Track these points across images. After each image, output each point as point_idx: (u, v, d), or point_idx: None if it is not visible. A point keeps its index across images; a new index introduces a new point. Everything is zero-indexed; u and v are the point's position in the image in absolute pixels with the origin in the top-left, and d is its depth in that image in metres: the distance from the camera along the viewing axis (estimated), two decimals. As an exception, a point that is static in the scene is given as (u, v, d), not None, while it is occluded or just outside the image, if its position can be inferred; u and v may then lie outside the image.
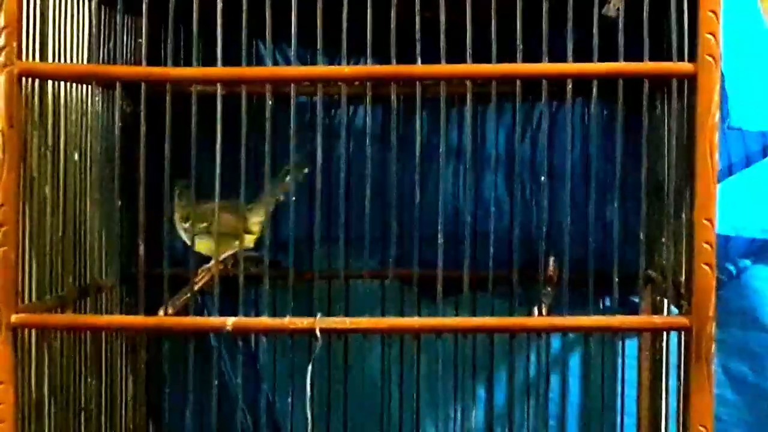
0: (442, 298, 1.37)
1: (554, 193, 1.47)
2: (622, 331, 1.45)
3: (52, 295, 1.43)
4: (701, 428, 1.31)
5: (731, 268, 1.75)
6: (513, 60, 1.34)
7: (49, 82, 1.41)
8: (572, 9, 1.33)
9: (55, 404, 1.44)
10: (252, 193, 1.47)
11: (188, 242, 1.49)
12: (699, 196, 1.30)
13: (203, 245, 1.54)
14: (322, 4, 1.34)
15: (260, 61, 1.79)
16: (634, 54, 1.33)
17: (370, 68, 1.36)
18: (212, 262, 1.54)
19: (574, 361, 1.82)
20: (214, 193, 1.36)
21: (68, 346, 1.47)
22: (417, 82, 1.36)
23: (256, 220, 1.59)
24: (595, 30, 1.33)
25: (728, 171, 1.71)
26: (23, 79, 1.34)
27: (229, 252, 1.58)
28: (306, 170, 1.52)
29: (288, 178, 1.52)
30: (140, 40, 1.43)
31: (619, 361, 1.66)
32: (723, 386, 1.74)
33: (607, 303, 1.54)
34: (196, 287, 1.47)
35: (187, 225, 1.56)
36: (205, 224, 1.54)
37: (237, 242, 1.50)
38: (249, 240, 1.58)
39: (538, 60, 1.34)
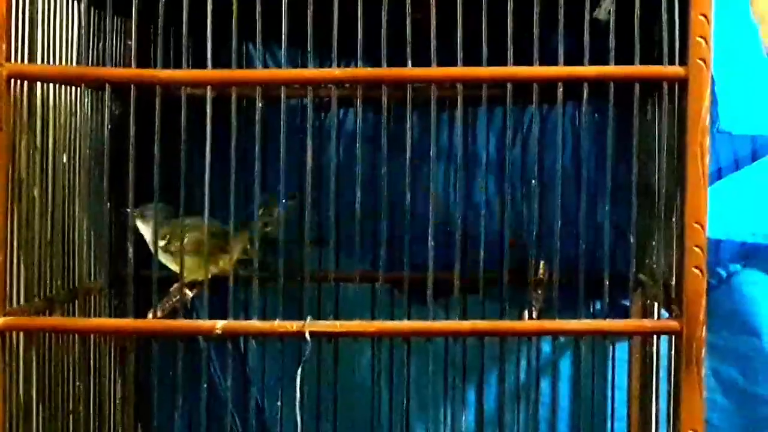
0: (433, 301, 1.37)
1: (545, 196, 1.47)
2: (612, 334, 1.45)
3: (40, 297, 1.43)
4: (692, 432, 1.32)
5: (721, 271, 1.75)
6: (504, 63, 1.34)
7: (38, 84, 1.41)
8: (563, 12, 1.32)
9: (43, 408, 1.43)
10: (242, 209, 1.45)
11: (165, 261, 1.47)
12: (689, 199, 1.30)
13: (174, 264, 1.48)
14: (312, 6, 1.33)
15: (250, 64, 1.79)
16: (625, 57, 1.33)
17: (360, 71, 1.36)
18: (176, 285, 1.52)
19: (565, 365, 1.82)
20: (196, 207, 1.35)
21: (56, 349, 1.47)
22: (408, 85, 1.36)
23: (238, 245, 1.51)
24: (586, 33, 1.33)
25: (718, 175, 1.71)
26: (12, 80, 1.34)
27: (200, 276, 1.49)
28: (293, 200, 1.49)
29: (276, 212, 1.48)
30: (129, 42, 1.43)
31: (610, 364, 1.66)
32: (713, 390, 1.75)
33: (598, 306, 1.54)
34: (187, 292, 1.47)
35: (163, 243, 1.51)
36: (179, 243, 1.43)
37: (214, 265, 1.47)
38: (225, 263, 1.50)
39: (529, 63, 1.34)
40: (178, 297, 1.41)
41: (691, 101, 1.29)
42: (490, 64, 1.34)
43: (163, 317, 1.39)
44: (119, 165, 1.42)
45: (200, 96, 1.36)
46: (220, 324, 1.36)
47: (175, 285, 1.46)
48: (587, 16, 1.34)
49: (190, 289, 1.51)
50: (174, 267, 1.47)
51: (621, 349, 1.72)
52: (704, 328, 1.31)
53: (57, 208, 1.47)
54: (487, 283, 1.47)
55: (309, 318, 1.35)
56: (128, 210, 1.38)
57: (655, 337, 1.56)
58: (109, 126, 1.41)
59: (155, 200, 1.39)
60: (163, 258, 1.48)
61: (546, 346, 1.68)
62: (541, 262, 1.61)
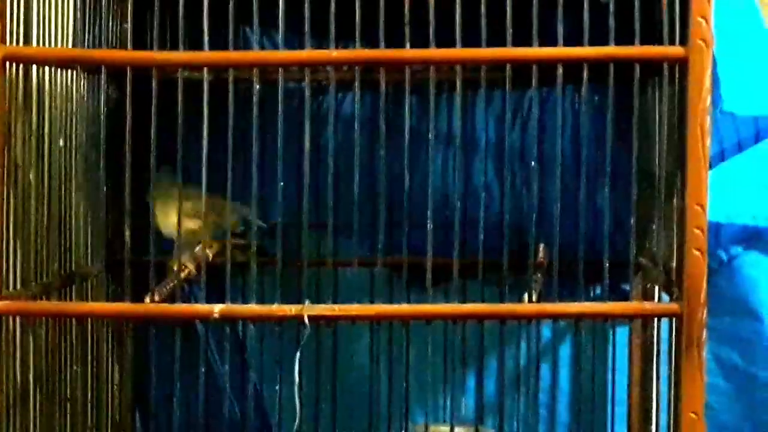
0: (432, 285, 1.36)
1: (544, 179, 1.46)
2: (612, 318, 1.45)
3: (36, 282, 1.42)
4: (692, 415, 1.31)
5: (722, 255, 1.74)
6: (503, 45, 1.33)
7: (34, 67, 1.40)
8: (563, -8, 1.32)
9: (39, 393, 1.43)
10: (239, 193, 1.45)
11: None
12: (690, 181, 1.29)
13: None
14: (309, -13, 1.33)
15: (247, 46, 1.78)
16: (625, 38, 1.33)
17: (358, 52, 1.35)
18: (198, 247, 1.52)
19: (565, 349, 1.82)
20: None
21: (53, 333, 1.46)
22: (406, 67, 1.35)
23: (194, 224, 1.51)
24: (585, 14, 1.32)
25: (721, 156, 1.70)
26: (7, 63, 1.33)
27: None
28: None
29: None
30: (126, 25, 1.42)
31: (610, 348, 1.65)
32: (714, 374, 1.74)
33: (598, 290, 1.53)
34: (182, 274, 1.46)
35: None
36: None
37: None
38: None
39: (529, 44, 1.33)
40: (175, 282, 1.41)
41: (691, 82, 1.29)
42: (489, 45, 1.34)
43: (161, 302, 1.38)
44: (116, 148, 1.41)
45: (197, 79, 1.35)
46: (217, 308, 1.35)
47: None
48: (587, -4, 1.33)
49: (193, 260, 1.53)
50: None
51: (621, 333, 1.72)
52: (705, 310, 1.30)
53: (53, 192, 1.46)
54: (487, 267, 1.47)
55: (307, 302, 1.35)
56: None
57: (655, 320, 1.56)
58: (106, 109, 1.40)
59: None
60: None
61: (546, 331, 1.68)
62: (541, 246, 1.61)
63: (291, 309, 1.34)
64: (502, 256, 1.38)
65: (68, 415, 1.51)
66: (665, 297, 1.46)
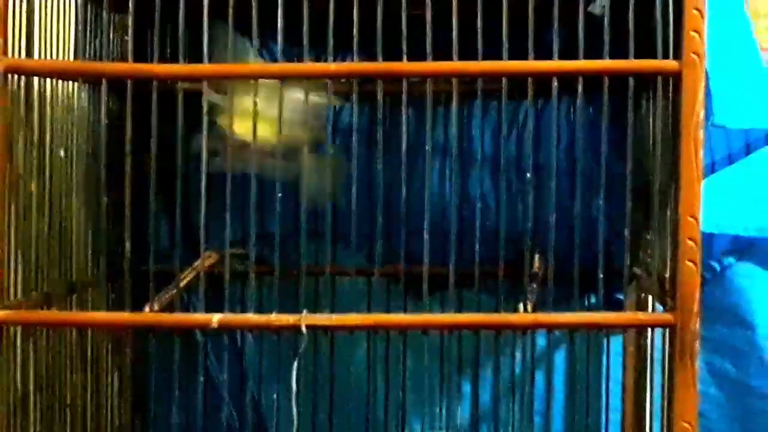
0: (428, 294, 1.37)
1: (540, 190, 1.48)
2: (606, 327, 1.46)
3: (37, 291, 1.43)
4: (685, 424, 1.32)
5: (715, 265, 1.75)
6: (499, 58, 1.34)
7: (35, 79, 1.41)
8: (558, 7, 1.33)
9: (40, 401, 1.44)
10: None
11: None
12: (683, 193, 1.31)
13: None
14: (308, 1, 1.34)
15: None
16: (619, 52, 1.34)
17: (356, 65, 1.37)
18: (199, 260, 1.53)
19: (560, 358, 1.82)
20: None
21: (54, 342, 1.47)
22: (403, 79, 1.36)
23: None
24: (580, 28, 1.34)
25: (711, 169, 1.71)
26: (9, 75, 1.34)
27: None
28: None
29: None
30: (126, 37, 1.43)
31: (604, 358, 1.67)
32: (707, 383, 1.75)
33: (593, 300, 1.54)
34: (182, 284, 1.47)
35: None
36: None
37: None
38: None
39: (524, 58, 1.34)
40: (174, 291, 1.42)
41: (685, 95, 1.30)
42: (485, 58, 1.35)
43: (160, 311, 1.39)
44: (116, 159, 1.42)
45: (197, 91, 1.36)
46: (216, 318, 1.36)
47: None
48: (582, 11, 1.34)
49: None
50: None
51: (616, 343, 1.73)
52: (698, 321, 1.31)
53: (54, 202, 1.47)
54: (483, 276, 1.48)
55: (305, 311, 1.36)
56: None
57: (649, 330, 1.57)
58: (106, 120, 1.41)
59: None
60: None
61: (541, 340, 1.69)
62: (536, 256, 1.62)
63: (289, 318, 1.35)
64: (498, 265, 1.39)
65: (68, 423, 1.52)
66: (659, 307, 1.47)
